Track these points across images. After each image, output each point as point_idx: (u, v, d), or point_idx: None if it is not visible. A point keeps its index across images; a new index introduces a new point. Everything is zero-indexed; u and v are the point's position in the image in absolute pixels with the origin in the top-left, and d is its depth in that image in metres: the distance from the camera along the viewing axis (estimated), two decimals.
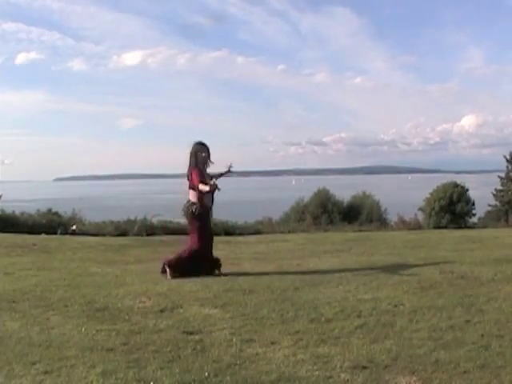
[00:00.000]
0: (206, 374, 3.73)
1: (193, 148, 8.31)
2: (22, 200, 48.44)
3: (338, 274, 7.79)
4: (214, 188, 7.88)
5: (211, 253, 8.36)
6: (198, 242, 8.17)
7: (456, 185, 29.46)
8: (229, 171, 8.86)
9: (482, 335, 4.49)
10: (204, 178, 8.12)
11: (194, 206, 8.17)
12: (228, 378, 3.67)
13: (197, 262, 8.09)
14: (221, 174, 8.79)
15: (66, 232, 16.66)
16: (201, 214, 8.21)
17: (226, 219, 20.98)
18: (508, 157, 45.48)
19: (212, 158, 8.28)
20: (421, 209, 31.14)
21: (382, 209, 39.86)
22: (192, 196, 8.21)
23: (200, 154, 8.26)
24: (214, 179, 8.01)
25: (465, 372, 3.66)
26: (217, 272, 8.21)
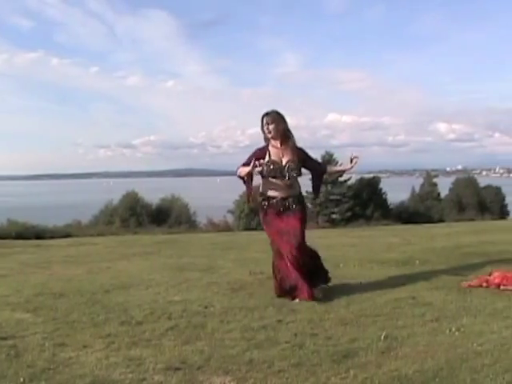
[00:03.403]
0: (21, 379, 3.57)
1: None
2: None
3: (148, 276, 7.70)
4: (253, 168, 5.79)
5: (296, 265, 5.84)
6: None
7: None
8: (351, 167, 6.20)
9: (296, 334, 4.53)
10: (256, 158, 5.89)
11: (258, 199, 6.12)
12: (43, 382, 3.54)
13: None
14: (341, 170, 6.88)
15: None
16: (259, 209, 6.15)
17: (37, 223, 20.90)
18: (320, 160, 48.15)
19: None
20: (230, 211, 31.99)
21: (191, 211, 40.54)
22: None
23: (265, 125, 5.98)
24: (261, 161, 5.84)
25: (280, 371, 3.65)
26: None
